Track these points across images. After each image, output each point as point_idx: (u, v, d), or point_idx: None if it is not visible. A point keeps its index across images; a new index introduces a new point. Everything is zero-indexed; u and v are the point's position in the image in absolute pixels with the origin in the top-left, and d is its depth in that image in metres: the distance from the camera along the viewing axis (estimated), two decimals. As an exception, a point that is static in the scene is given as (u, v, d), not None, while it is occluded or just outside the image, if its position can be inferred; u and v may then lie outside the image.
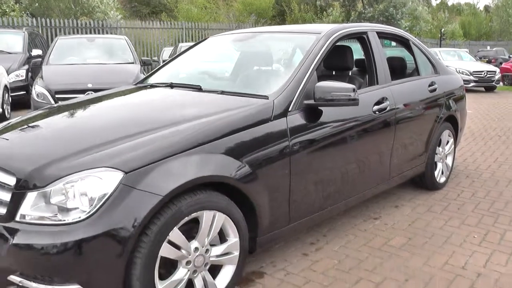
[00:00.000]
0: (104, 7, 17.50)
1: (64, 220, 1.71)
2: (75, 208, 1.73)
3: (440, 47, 25.94)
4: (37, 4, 17.21)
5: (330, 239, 2.98)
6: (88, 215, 1.70)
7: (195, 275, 2.01)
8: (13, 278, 1.77)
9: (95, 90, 5.85)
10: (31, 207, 1.77)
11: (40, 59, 11.25)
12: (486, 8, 43.83)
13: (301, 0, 29.85)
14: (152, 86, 3.09)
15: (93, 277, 1.72)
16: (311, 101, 2.47)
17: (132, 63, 7.16)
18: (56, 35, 13.90)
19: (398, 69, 3.82)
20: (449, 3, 46.06)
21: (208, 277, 2.07)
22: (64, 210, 1.74)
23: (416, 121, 3.50)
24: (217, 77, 3.20)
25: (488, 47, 31.30)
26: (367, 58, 3.28)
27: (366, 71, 3.45)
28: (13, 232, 1.75)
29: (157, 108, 2.57)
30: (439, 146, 3.92)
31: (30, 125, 2.40)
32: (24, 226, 1.75)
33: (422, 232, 3.10)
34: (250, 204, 2.15)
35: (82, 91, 5.90)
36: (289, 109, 2.40)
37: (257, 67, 3.12)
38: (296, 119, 2.42)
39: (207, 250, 2.03)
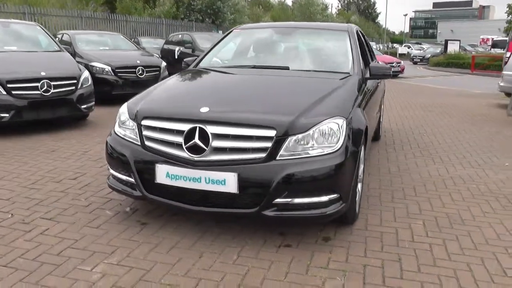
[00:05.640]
0: None
1: (323, 152, 2.61)
2: (325, 145, 2.64)
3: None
4: None
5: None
6: (337, 148, 2.63)
7: (359, 185, 3.13)
8: (279, 200, 2.56)
9: (49, 79, 5.75)
10: (288, 149, 2.58)
11: None
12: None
13: (130, -13, 29.42)
14: (240, 66, 3.91)
15: (342, 186, 2.68)
16: (368, 75, 3.76)
17: (59, 50, 6.91)
18: None
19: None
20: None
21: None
22: (316, 147, 2.62)
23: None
24: (289, 61, 4.01)
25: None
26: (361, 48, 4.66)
27: None
28: (279, 168, 2.54)
29: (297, 82, 3.46)
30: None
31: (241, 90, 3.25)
32: (286, 161, 2.55)
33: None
34: None
35: (37, 80, 5.66)
36: (363, 79, 3.65)
37: (317, 53, 4.17)
38: (365, 84, 3.70)
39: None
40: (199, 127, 2.63)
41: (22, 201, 3.45)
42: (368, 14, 77.67)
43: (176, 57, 14.35)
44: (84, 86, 6.18)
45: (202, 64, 4.13)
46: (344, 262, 2.56)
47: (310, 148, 2.62)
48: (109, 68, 8.12)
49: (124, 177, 2.95)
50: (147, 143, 2.81)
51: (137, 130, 2.89)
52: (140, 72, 8.35)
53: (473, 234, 3.02)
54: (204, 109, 2.74)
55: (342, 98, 3.03)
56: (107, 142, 3.12)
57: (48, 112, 5.77)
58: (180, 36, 15.62)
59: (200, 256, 2.58)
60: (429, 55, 30.15)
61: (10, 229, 2.95)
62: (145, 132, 2.84)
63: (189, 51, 14.24)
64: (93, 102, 6.43)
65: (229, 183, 2.55)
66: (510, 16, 40.47)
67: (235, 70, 3.81)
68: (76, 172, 4.21)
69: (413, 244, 2.83)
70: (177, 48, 14.99)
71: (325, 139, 2.65)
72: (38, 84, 5.64)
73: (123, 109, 3.14)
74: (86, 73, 6.38)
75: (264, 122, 2.63)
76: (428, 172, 4.43)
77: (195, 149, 2.62)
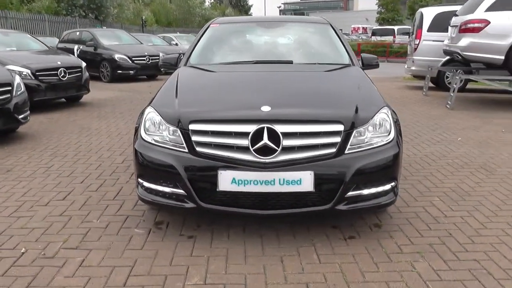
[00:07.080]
0: None
1: (382, 142, 2.70)
2: (380, 135, 2.73)
3: (143, 32, 27.85)
4: None
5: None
6: (392, 137, 2.75)
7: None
8: (350, 193, 2.60)
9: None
10: (353, 142, 2.62)
11: None
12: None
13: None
14: (240, 63, 3.78)
15: (399, 172, 2.81)
16: (361, 66, 3.94)
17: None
18: None
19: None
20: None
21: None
22: (372, 138, 2.69)
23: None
24: (288, 54, 4.00)
25: (178, 33, 35.98)
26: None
27: None
28: (351, 161, 2.57)
29: (323, 76, 3.51)
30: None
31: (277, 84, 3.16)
32: (355, 155, 2.60)
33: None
34: None
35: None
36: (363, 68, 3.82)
37: (311, 46, 4.17)
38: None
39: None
40: (267, 127, 2.52)
41: (22, 233, 2.93)
42: (241, 7, 79.54)
43: (76, 56, 13.22)
44: (18, 93, 5.38)
45: (192, 61, 3.90)
46: (411, 244, 2.71)
47: (366, 140, 2.69)
48: (28, 72, 7.14)
49: (167, 189, 2.70)
50: (199, 149, 2.60)
51: (181, 136, 2.66)
52: (62, 74, 7.50)
53: (484, 202, 3.41)
54: (266, 108, 2.63)
55: (371, 88, 3.15)
56: (136, 151, 2.81)
57: (-19, 126, 4.93)
58: (78, 33, 14.39)
59: (282, 261, 2.50)
60: (313, 45, 32.10)
61: (36, 267, 2.51)
62: (195, 138, 2.62)
63: (90, 49, 13.31)
64: (29, 111, 5.63)
65: (305, 182, 2.51)
66: (381, 7, 45.39)
67: (239, 66, 3.68)
68: (59, 191, 3.69)
69: (449, 219, 3.11)
70: (76, 47, 13.83)
71: (376, 129, 2.75)
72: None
73: (152, 115, 2.85)
74: (18, 79, 5.55)
75: (332, 117, 2.65)
76: (403, 152, 4.81)
77: (262, 151, 2.52)
